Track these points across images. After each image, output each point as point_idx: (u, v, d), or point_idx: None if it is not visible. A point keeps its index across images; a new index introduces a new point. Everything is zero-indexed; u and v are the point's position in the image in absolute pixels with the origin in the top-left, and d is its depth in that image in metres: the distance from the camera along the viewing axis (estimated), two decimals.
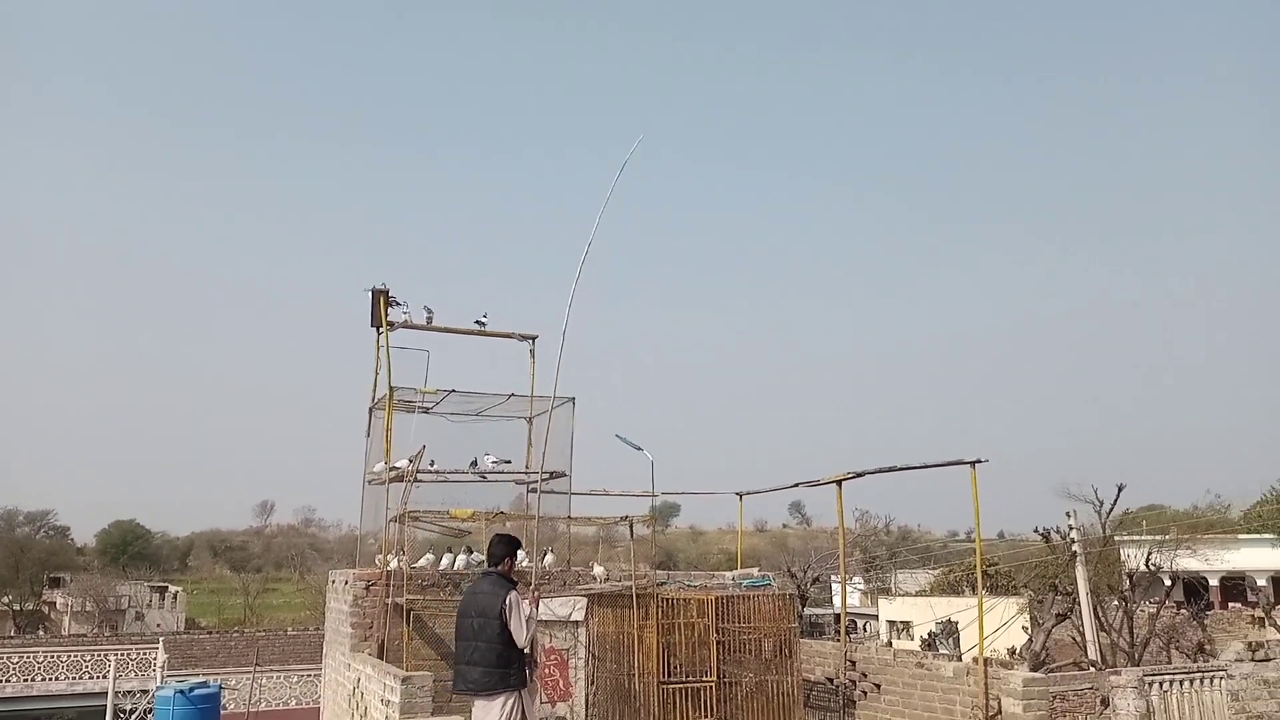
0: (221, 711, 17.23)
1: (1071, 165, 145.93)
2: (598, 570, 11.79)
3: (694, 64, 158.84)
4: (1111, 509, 30.39)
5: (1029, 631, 27.94)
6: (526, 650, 7.52)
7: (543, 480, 13.01)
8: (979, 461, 9.75)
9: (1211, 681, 10.51)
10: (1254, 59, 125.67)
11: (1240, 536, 46.40)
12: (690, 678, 10.25)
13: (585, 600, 11.21)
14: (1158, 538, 38.78)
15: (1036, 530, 30.21)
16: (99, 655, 30.88)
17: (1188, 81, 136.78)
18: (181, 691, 15.50)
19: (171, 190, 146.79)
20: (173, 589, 69.00)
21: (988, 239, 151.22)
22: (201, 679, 18.57)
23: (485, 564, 8.11)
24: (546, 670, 10.99)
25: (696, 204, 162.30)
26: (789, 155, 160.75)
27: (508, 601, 7.42)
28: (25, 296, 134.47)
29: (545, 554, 12.29)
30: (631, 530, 11.66)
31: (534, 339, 13.70)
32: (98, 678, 29.54)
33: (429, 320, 12.87)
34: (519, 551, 8.00)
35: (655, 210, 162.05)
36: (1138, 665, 21.96)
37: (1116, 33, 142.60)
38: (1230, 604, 44.35)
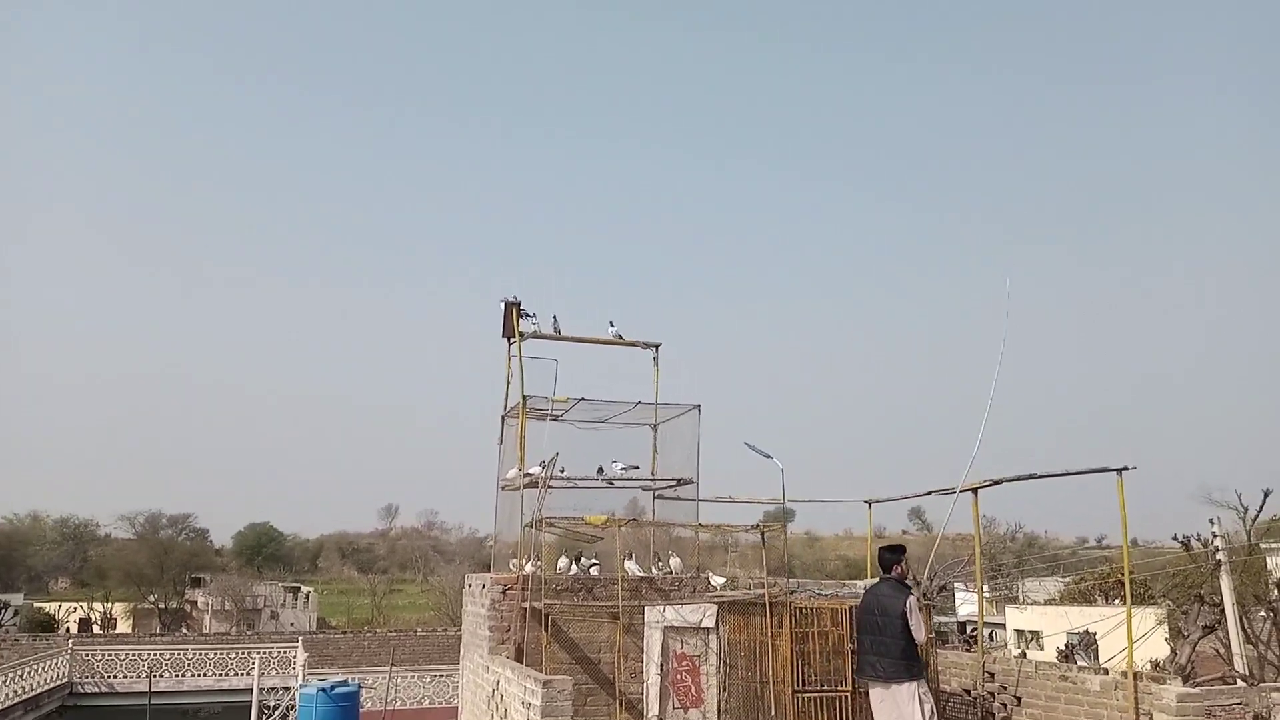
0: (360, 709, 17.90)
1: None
2: (716, 580, 11.81)
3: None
4: (1258, 515, 29.00)
5: (1170, 643, 26.78)
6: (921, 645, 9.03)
7: (669, 487, 13.12)
8: (1125, 469, 9.37)
9: None
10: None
11: None
12: (825, 687, 10.16)
13: (715, 607, 11.23)
14: None
15: (1175, 537, 29.01)
16: (243, 653, 32.39)
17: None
18: (324, 689, 16.18)
19: (310, 196, 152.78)
20: (305, 589, 71.69)
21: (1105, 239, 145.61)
22: (341, 678, 19.36)
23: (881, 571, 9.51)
24: (678, 676, 11.05)
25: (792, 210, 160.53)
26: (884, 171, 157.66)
27: (908, 604, 8.91)
28: (160, 306, 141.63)
29: (669, 558, 12.31)
30: (763, 538, 11.65)
31: (657, 347, 13.79)
32: (242, 674, 30.98)
33: (556, 330, 13.09)
34: (903, 558, 9.45)
35: (744, 213, 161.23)
36: None
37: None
38: None
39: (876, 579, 9.63)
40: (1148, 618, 31.13)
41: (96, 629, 57.81)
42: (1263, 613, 27.17)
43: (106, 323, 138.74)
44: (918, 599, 9.09)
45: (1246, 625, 24.95)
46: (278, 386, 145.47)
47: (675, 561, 12.23)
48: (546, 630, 10.48)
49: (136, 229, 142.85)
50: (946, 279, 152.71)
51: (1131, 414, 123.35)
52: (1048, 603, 46.70)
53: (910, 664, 8.90)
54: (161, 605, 65.52)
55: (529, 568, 10.99)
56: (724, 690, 11.07)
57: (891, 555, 9.44)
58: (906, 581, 9.38)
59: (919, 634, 8.95)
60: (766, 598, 10.54)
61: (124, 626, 60.01)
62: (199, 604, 67.18)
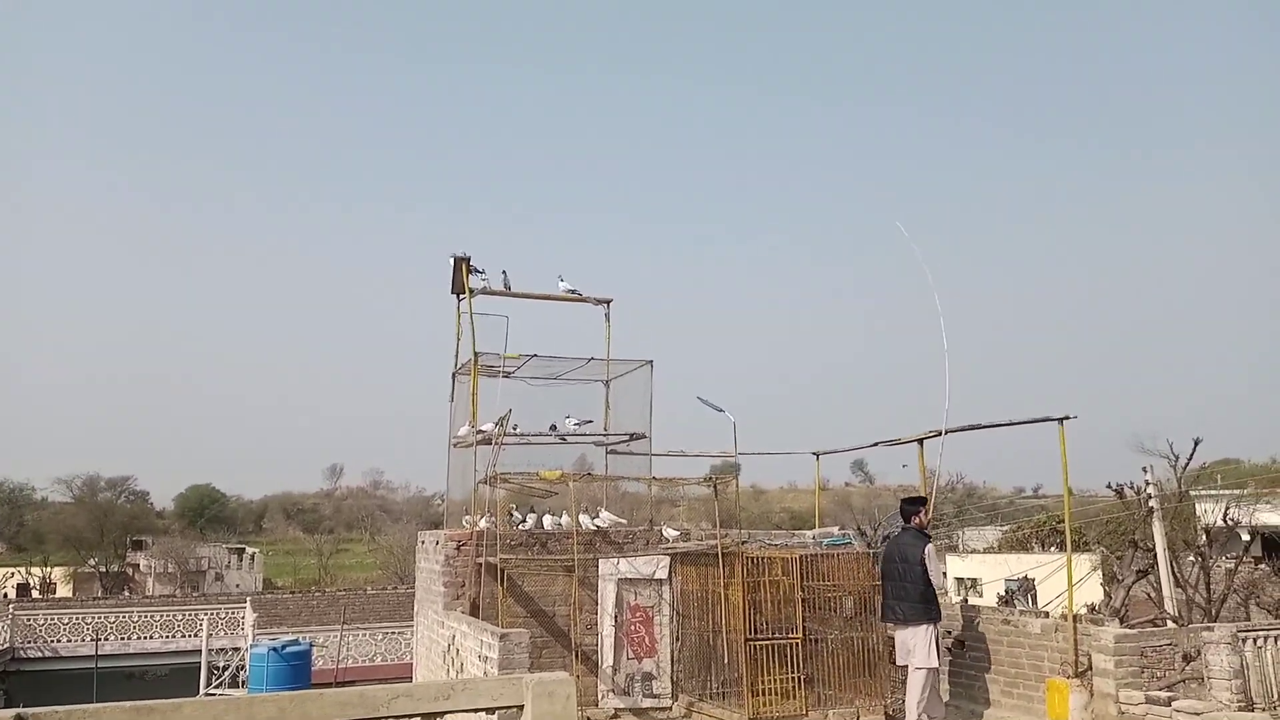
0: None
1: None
2: (669, 532, 11.90)
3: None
4: (1188, 463, 29.85)
5: (1106, 588, 27.62)
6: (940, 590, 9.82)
7: (622, 442, 13.17)
8: (1067, 418, 9.61)
9: None
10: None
11: None
12: (777, 635, 10.37)
13: (668, 559, 11.38)
14: (1235, 492, 37.95)
15: (1109, 485, 29.77)
16: (190, 614, 32.11)
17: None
18: (275, 649, 16.14)
19: (249, 152, 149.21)
20: (250, 550, 71.02)
21: (1052, 187, 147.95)
22: (291, 637, 19.28)
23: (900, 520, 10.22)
24: (632, 627, 11.20)
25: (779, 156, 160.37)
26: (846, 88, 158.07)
27: (926, 551, 9.65)
28: (96, 266, 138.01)
29: (599, 511, 12.20)
30: (715, 490, 11.79)
31: (609, 303, 13.76)
32: (190, 636, 30.73)
33: (506, 286, 13.00)
34: (923, 509, 10.10)
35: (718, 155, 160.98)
36: (1214, 621, 21.61)
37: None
38: None
39: (893, 529, 10.37)
40: (1082, 563, 32.10)
41: (36, 594, 56.82)
42: (1191, 558, 28.11)
43: (44, 285, 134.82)
44: (935, 547, 9.89)
45: (1176, 570, 25.81)
46: (218, 345, 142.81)
47: (606, 515, 12.22)
48: (502, 584, 10.55)
49: (84, 190, 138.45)
50: (890, 234, 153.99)
51: (1064, 364, 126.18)
52: (986, 551, 47.83)
53: (928, 607, 9.57)
54: (103, 569, 64.50)
55: (483, 523, 11.01)
56: (677, 639, 11.27)
57: (912, 506, 10.06)
58: (927, 531, 9.99)
59: (936, 579, 9.63)
60: (719, 548, 10.70)
61: (64, 591, 59.02)
62: (141, 567, 66.25)
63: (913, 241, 12.53)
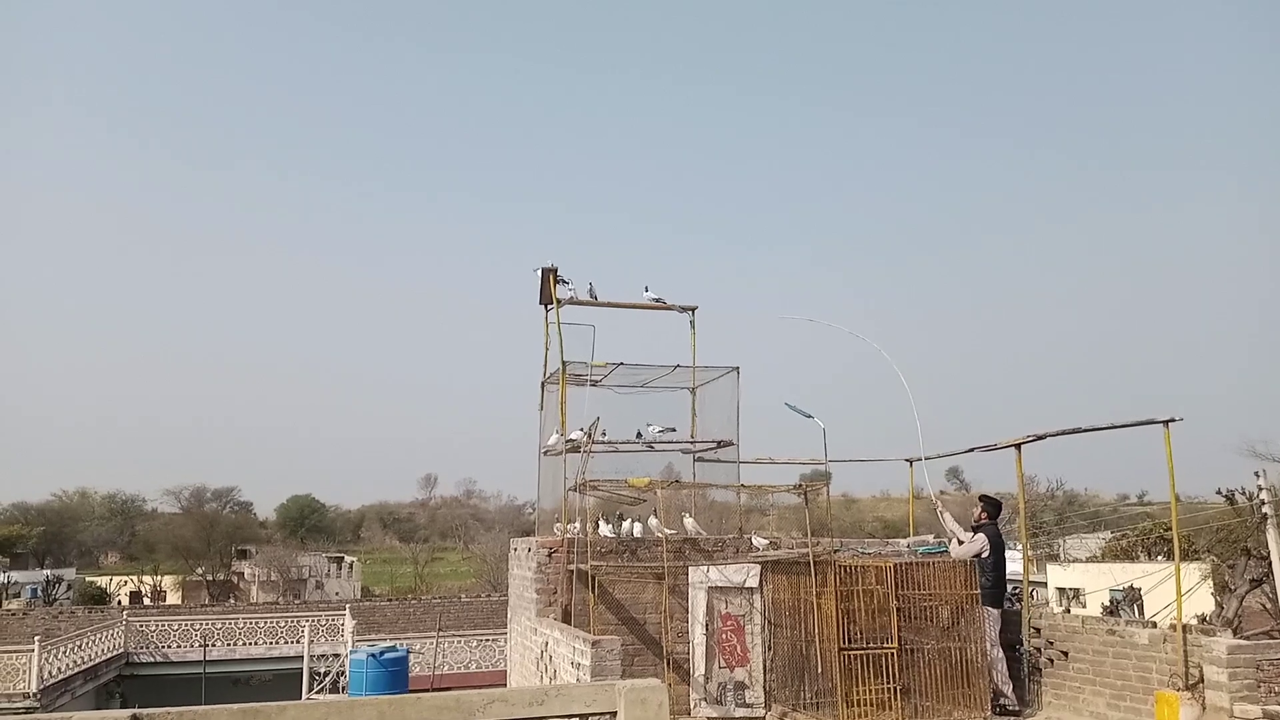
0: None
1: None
2: (759, 541, 11.81)
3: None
4: None
5: (1218, 598, 26.56)
6: None
7: (710, 449, 13.15)
8: (1173, 420, 9.27)
9: None
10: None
11: None
12: (871, 645, 10.21)
13: (759, 567, 11.30)
14: None
15: (1219, 491, 28.63)
16: (293, 622, 33.06)
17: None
18: (373, 655, 16.45)
19: (342, 171, 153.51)
20: (348, 559, 72.73)
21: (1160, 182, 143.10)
22: (389, 643, 19.64)
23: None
24: (724, 636, 11.15)
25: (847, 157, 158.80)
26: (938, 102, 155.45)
27: None
28: (205, 295, 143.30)
29: (683, 519, 12.13)
30: (805, 498, 11.67)
31: (694, 310, 13.75)
32: (291, 642, 31.62)
33: (593, 295, 13.11)
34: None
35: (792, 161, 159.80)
36: None
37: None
38: None
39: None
40: (1191, 573, 30.87)
41: (147, 601, 59.06)
42: None
43: (148, 302, 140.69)
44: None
45: None
46: (316, 360, 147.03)
47: (689, 523, 12.17)
48: (593, 591, 10.60)
49: (171, 206, 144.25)
50: (991, 236, 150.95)
51: (1169, 366, 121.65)
52: (1089, 560, 46.38)
53: None
54: (209, 577, 66.74)
55: (574, 530, 11.09)
56: (769, 649, 11.17)
57: (998, 507, 12.26)
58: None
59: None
60: (810, 557, 10.59)
61: (173, 598, 61.26)
62: (246, 575, 68.41)
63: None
